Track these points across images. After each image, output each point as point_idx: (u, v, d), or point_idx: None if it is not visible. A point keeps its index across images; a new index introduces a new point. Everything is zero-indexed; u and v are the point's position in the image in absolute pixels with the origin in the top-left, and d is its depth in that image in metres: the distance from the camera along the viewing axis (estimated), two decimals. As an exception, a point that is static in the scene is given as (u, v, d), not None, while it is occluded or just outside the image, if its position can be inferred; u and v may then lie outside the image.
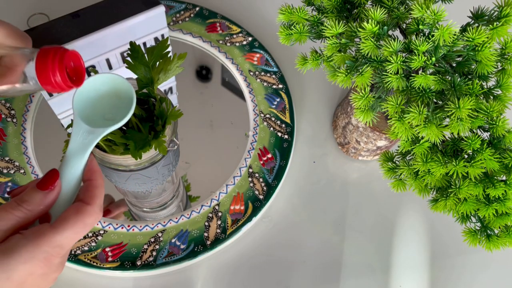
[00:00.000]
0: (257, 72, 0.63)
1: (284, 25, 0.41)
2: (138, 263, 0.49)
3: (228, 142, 0.61)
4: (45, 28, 0.48)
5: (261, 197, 0.54)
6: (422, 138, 0.36)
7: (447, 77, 0.36)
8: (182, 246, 0.51)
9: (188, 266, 0.51)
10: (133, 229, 0.51)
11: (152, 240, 0.51)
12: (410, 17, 0.37)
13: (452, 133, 0.35)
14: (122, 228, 0.51)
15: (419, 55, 0.34)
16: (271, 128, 0.59)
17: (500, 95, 0.36)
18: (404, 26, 0.39)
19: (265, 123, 0.59)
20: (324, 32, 0.37)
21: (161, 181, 0.43)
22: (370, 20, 0.35)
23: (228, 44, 0.65)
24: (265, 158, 0.57)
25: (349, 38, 0.37)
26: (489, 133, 0.36)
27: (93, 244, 0.50)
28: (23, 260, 0.27)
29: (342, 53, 0.38)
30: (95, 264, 0.49)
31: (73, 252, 0.49)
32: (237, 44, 0.65)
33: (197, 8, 0.68)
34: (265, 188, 0.55)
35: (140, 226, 0.51)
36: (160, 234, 0.51)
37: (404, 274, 0.53)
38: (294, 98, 0.63)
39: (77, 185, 0.32)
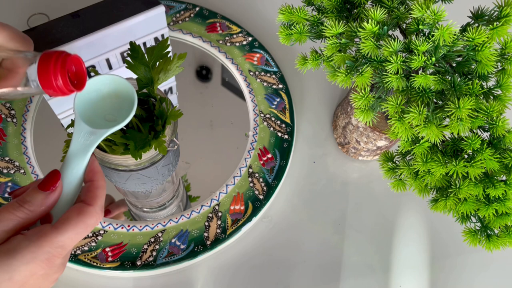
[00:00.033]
0: (257, 72, 0.63)
1: (284, 25, 0.41)
2: (138, 263, 0.49)
3: (228, 142, 0.61)
4: (45, 28, 0.48)
5: (261, 197, 0.54)
6: (422, 138, 0.36)
7: (447, 77, 0.36)
8: (182, 246, 0.51)
9: (188, 266, 0.51)
10: (133, 229, 0.51)
11: (152, 240, 0.51)
12: (410, 17, 0.37)
13: (452, 133, 0.35)
14: (122, 228, 0.51)
15: (419, 55, 0.34)
16: (271, 128, 0.59)
17: (500, 95, 0.36)
18: (404, 26, 0.39)
19: (265, 123, 0.59)
20: (324, 32, 0.37)
21: (161, 181, 0.43)
22: (370, 20, 0.35)
23: (228, 44, 0.65)
24: (265, 158, 0.57)
25: (349, 38, 0.37)
26: (489, 133, 0.36)
27: (93, 244, 0.50)
28: (25, 261, 0.27)
29: (342, 53, 0.38)
30: (95, 264, 0.49)
31: (73, 252, 0.49)
32: (237, 44, 0.65)
33: (197, 8, 0.68)
34: (265, 188, 0.55)
35: (140, 226, 0.51)
36: (160, 234, 0.51)
37: (404, 274, 0.53)
38: (294, 98, 0.63)
39: (79, 186, 0.32)
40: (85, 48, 0.49)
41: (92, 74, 0.53)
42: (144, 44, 0.54)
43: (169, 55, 0.38)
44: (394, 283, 0.53)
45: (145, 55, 0.37)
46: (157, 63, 0.38)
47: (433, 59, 0.34)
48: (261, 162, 0.57)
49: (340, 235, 0.55)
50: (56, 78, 0.29)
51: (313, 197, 0.57)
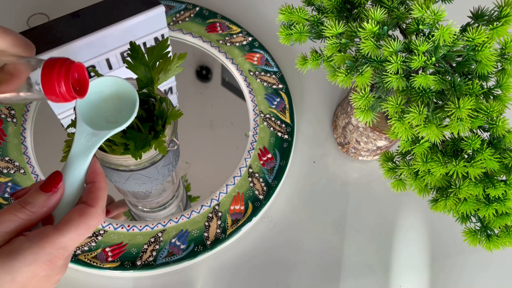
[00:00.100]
0: (257, 72, 0.63)
1: (284, 25, 0.41)
2: (138, 263, 0.49)
3: (228, 142, 0.61)
4: (45, 28, 0.48)
5: (261, 197, 0.54)
6: (422, 138, 0.36)
7: (447, 77, 0.36)
8: (182, 246, 0.51)
9: (188, 266, 0.51)
10: (133, 229, 0.51)
11: (152, 240, 0.51)
12: (410, 17, 0.37)
13: (452, 133, 0.35)
14: (122, 228, 0.51)
15: (419, 55, 0.34)
16: (271, 128, 0.59)
17: (500, 95, 0.36)
18: (404, 26, 0.39)
19: (265, 123, 0.59)
20: (324, 32, 0.37)
21: (161, 181, 0.43)
22: (370, 20, 0.35)
23: (228, 44, 0.65)
24: (265, 158, 0.57)
25: (349, 38, 0.37)
26: (489, 133, 0.36)
27: (93, 244, 0.50)
28: (27, 262, 0.27)
29: (342, 53, 0.38)
30: (95, 264, 0.49)
31: (73, 252, 0.49)
32: (237, 44, 0.65)
33: (197, 8, 0.68)
34: (265, 188, 0.55)
35: (140, 226, 0.51)
36: (160, 234, 0.51)
37: (404, 274, 0.53)
38: (294, 98, 0.63)
39: (80, 187, 0.32)
40: (85, 48, 0.49)
41: (92, 74, 0.53)
42: (144, 44, 0.54)
43: (169, 55, 0.38)
44: (394, 283, 0.53)
45: (145, 55, 0.37)
46: (157, 63, 0.38)
47: (433, 59, 0.34)
48: (261, 162, 0.57)
49: (340, 235, 0.55)
50: (60, 85, 0.30)
51: (313, 197, 0.57)
